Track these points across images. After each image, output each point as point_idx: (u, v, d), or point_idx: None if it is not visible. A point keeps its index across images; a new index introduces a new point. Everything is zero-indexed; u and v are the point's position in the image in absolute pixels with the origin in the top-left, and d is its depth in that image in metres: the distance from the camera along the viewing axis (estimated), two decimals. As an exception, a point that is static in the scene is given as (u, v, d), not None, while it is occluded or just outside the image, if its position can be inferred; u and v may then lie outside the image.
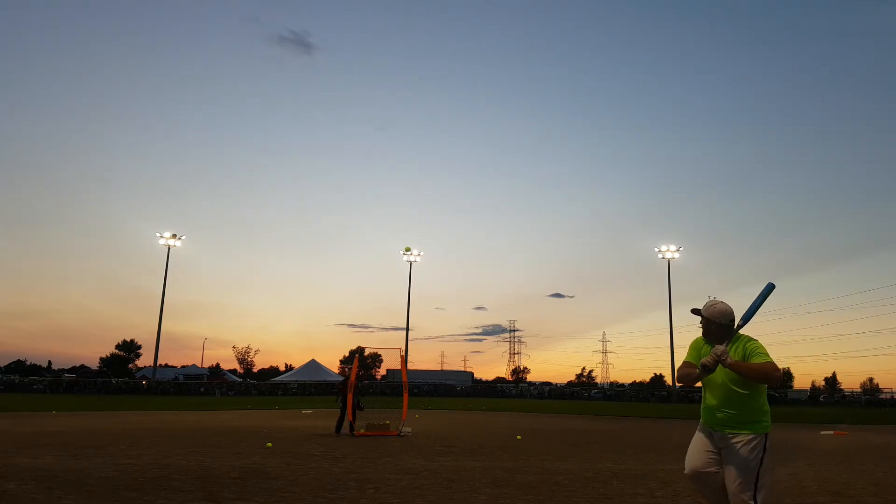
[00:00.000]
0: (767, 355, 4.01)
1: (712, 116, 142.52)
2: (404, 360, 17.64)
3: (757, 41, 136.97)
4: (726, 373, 4.06)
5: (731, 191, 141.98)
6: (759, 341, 4.14)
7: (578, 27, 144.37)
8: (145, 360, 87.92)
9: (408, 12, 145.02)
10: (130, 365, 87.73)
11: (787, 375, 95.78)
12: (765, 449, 4.02)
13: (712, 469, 4.17)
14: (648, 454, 11.59)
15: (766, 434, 4.06)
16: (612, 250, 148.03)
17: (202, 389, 59.31)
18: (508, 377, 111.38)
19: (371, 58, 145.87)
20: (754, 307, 4.14)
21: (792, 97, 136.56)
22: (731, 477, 4.02)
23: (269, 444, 11.83)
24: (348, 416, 14.72)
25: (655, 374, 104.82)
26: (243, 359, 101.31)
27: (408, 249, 64.08)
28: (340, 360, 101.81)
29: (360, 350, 18.67)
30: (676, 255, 61.49)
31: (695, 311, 4.28)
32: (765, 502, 4.02)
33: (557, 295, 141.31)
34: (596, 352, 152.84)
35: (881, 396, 72.00)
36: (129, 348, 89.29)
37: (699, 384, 4.27)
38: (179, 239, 60.80)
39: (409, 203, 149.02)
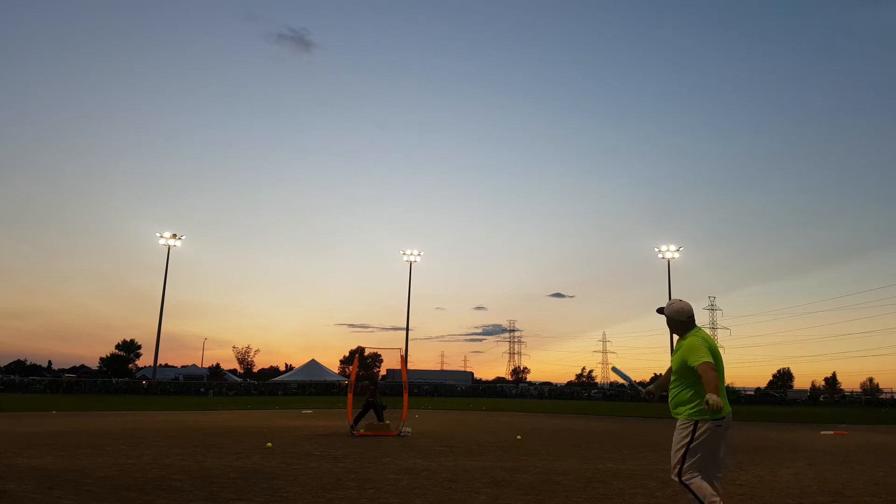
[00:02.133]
0: (702, 355, 4.41)
1: (712, 116, 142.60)
2: (404, 360, 17.65)
3: (757, 41, 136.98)
4: (674, 364, 4.69)
5: (731, 191, 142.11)
6: (701, 334, 4.62)
7: (579, 27, 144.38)
8: (145, 360, 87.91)
9: (408, 11, 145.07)
10: (130, 365, 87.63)
11: (787, 375, 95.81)
12: (693, 434, 4.43)
13: None
14: (648, 454, 11.58)
15: (697, 421, 4.44)
16: (612, 250, 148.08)
17: (202, 389, 59.30)
18: (508, 377, 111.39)
19: (371, 56, 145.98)
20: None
21: (792, 97, 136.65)
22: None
23: (269, 444, 11.83)
24: (349, 417, 14.70)
25: (655, 374, 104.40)
26: (243, 359, 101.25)
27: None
28: (340, 360, 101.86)
29: (360, 350, 18.64)
30: (676, 255, 61.47)
31: (659, 310, 4.84)
32: (691, 482, 4.39)
33: (557, 295, 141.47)
34: (596, 352, 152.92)
35: (881, 396, 71.97)
36: (129, 348, 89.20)
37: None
38: (179, 239, 60.78)
39: (409, 203, 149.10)
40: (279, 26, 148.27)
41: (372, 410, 15.36)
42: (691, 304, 4.74)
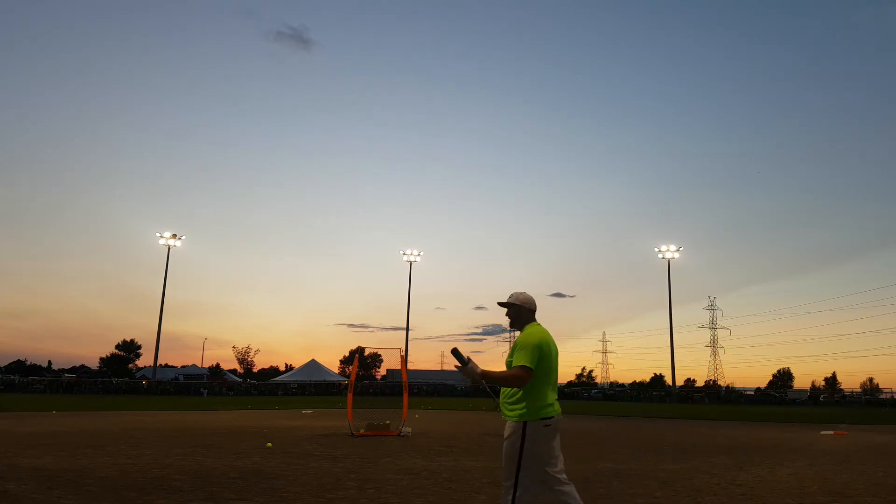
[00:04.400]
0: (526, 357, 4.00)
1: (712, 116, 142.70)
2: (404, 360, 17.63)
3: (757, 41, 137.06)
4: (509, 357, 4.20)
5: (731, 191, 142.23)
6: (533, 333, 4.18)
7: (578, 27, 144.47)
8: (145, 360, 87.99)
9: (407, 9, 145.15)
10: (130, 365, 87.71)
11: (787, 375, 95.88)
12: (523, 438, 3.96)
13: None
14: (648, 454, 11.58)
15: (525, 423, 4.00)
16: (612, 250, 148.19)
17: (201, 389, 59.33)
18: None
19: (370, 55, 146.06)
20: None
21: (792, 97, 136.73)
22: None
23: (269, 444, 11.83)
24: (349, 417, 14.71)
25: (655, 374, 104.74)
26: (243, 359, 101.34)
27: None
28: (340, 360, 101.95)
29: (360, 350, 18.64)
30: (676, 255, 61.52)
31: (507, 302, 4.37)
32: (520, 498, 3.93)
33: (557, 295, 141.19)
34: (596, 352, 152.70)
35: (881, 396, 71.95)
36: (129, 348, 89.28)
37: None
38: (179, 239, 60.84)
39: (409, 203, 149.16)
40: (278, 24, 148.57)
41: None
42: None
